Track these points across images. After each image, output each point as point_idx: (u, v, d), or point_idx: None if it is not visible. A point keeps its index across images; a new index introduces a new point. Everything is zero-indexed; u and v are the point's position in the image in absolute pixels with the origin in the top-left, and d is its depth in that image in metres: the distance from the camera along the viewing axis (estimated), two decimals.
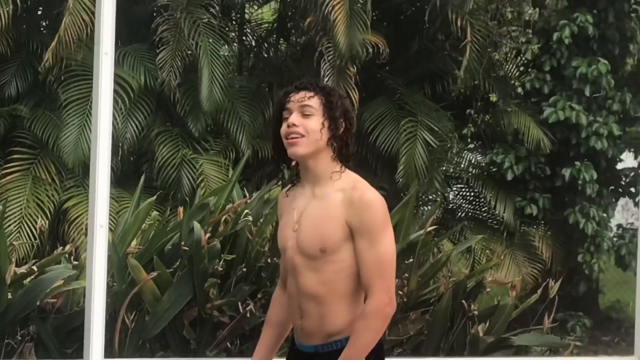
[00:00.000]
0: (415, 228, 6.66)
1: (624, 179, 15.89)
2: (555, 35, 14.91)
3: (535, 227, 15.31)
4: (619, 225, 15.79)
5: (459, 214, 15.44)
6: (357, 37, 13.23)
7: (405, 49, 14.87)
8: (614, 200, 15.94)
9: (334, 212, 4.28)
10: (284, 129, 4.35)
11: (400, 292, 6.29)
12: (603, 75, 14.73)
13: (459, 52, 14.18)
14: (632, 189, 15.64)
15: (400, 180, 13.25)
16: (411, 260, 6.44)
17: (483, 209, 15.42)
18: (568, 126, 14.87)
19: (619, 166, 15.94)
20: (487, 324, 6.32)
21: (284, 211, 4.51)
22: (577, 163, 14.88)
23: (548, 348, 6.55)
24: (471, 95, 14.86)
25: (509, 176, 14.87)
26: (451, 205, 15.68)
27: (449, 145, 14.21)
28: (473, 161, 15.80)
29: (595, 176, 14.88)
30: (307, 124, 4.32)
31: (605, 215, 15.22)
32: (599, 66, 14.72)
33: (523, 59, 15.56)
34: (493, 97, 14.87)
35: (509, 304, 6.38)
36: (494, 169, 15.13)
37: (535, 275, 14.06)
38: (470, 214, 15.54)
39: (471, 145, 15.65)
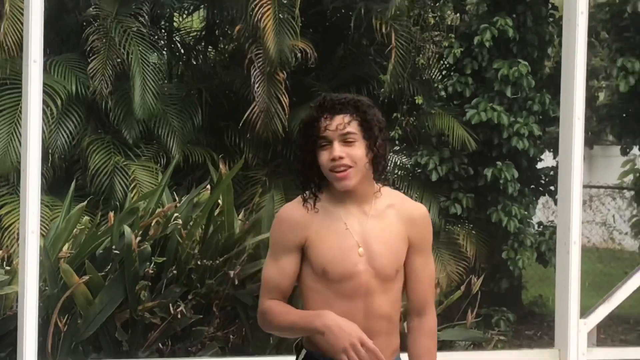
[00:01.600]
0: None
1: (544, 177, 16.00)
2: (476, 39, 15.01)
3: (459, 225, 15.37)
4: (540, 223, 15.92)
5: None
6: (286, 43, 13.22)
7: (331, 55, 14.88)
8: (534, 198, 16.06)
9: (396, 230, 4.06)
10: (326, 160, 3.97)
11: None
12: (523, 76, 14.85)
13: (384, 57, 14.23)
14: (552, 188, 15.75)
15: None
16: None
17: None
18: (490, 127, 14.96)
19: (539, 165, 16.08)
20: None
21: (317, 230, 4.02)
22: (499, 163, 14.99)
23: (472, 342, 6.55)
24: (397, 98, 14.89)
25: (434, 177, 14.95)
26: None
27: None
28: (399, 163, 15.86)
29: (516, 175, 14.99)
30: (352, 153, 3.96)
31: (526, 213, 15.33)
32: (519, 68, 14.83)
33: (446, 62, 15.63)
34: (418, 100, 14.92)
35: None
36: (419, 170, 15.18)
37: (460, 273, 14.13)
38: None
39: (397, 148, 15.67)
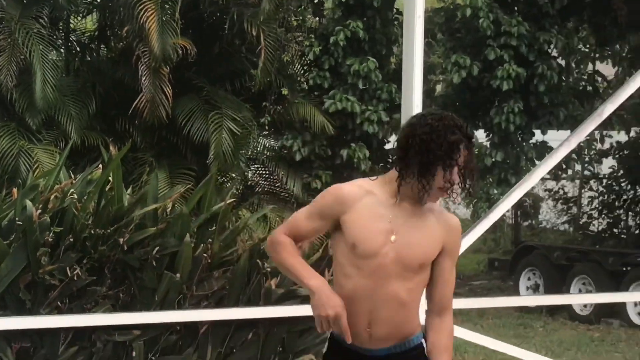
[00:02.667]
0: (218, 201, 6.57)
1: (391, 157, 16.15)
2: (332, 39, 15.12)
3: None
4: None
5: (257, 189, 15.46)
6: (168, 41, 13.15)
7: (209, 52, 14.80)
8: (384, 174, 16.18)
9: (433, 233, 3.90)
10: (445, 180, 3.78)
11: (205, 255, 6.22)
12: (372, 71, 15.02)
13: (255, 54, 14.19)
14: None
15: (211, 163, 13.17)
16: (214, 227, 6.36)
17: (276, 185, 15.49)
18: (345, 114, 15.09)
19: (387, 146, 16.24)
20: (278, 279, 6.29)
21: (361, 211, 3.86)
22: (353, 144, 15.15)
23: None
24: (266, 90, 14.89)
25: (298, 157, 15.02)
26: (250, 182, 15.70)
27: (249, 133, 14.18)
28: (268, 145, 15.86)
29: (368, 155, 15.18)
30: (455, 175, 3.81)
31: None
32: (369, 64, 15.00)
33: (307, 59, 15.67)
34: (284, 92, 14.94)
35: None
36: (285, 151, 15.22)
37: (320, 238, 14.13)
38: (266, 189, 15.59)
39: (266, 132, 15.68)
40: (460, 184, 3.83)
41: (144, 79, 13.18)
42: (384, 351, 3.92)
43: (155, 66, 13.13)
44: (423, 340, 4.00)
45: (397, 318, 3.89)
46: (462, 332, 7.20)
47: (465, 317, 12.76)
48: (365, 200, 3.88)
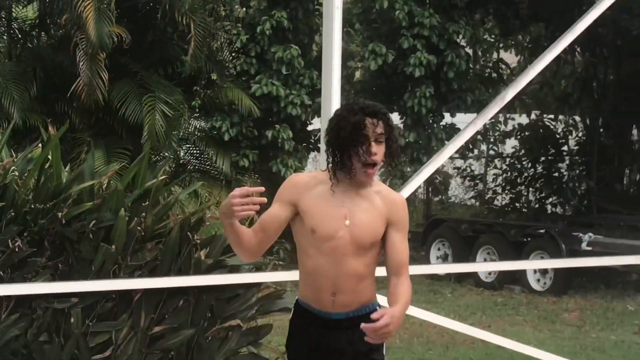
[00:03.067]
0: (151, 178, 6.52)
1: (313, 137, 16.22)
2: (258, 28, 15.09)
3: (247, 176, 15.44)
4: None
5: (189, 167, 15.41)
6: (105, 29, 13.03)
7: (143, 40, 14.69)
8: (306, 153, 16.29)
9: (379, 212, 4.08)
10: (360, 153, 3.97)
11: (139, 228, 6.18)
12: (295, 58, 15.02)
13: (186, 42, 14.13)
14: (319, 145, 15.97)
15: (145, 143, 13.08)
16: (147, 202, 6.33)
17: (207, 163, 15.45)
18: (270, 98, 15.08)
19: (310, 128, 16.28)
20: (208, 250, 6.28)
21: (314, 198, 4.04)
22: (278, 126, 15.13)
23: (254, 266, 6.58)
24: (196, 75, 14.84)
25: (226, 137, 14.99)
26: (182, 160, 15.64)
27: (181, 115, 14.11)
28: (198, 126, 15.80)
29: (291, 135, 15.18)
30: (380, 152, 4.01)
31: (300, 164, 15.54)
32: (292, 51, 15.00)
33: (235, 47, 15.62)
34: (213, 77, 14.90)
35: (223, 234, 6.36)
36: (215, 132, 15.16)
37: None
38: (196, 167, 15.54)
39: (197, 114, 15.62)
40: (387, 156, 4.02)
41: (81, 64, 13.08)
42: (343, 315, 4.12)
43: (92, 52, 13.02)
44: (378, 307, 4.16)
45: (357, 288, 4.10)
46: (378, 299, 7.27)
47: (380, 285, 12.83)
48: (319, 189, 4.07)
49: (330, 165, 4.07)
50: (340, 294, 4.08)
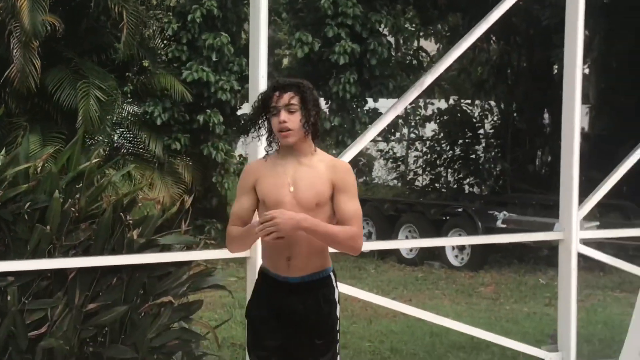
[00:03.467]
0: (84, 161, 6.45)
1: (242, 121, 16.16)
2: (189, 17, 14.98)
3: (179, 158, 15.36)
4: (240, 155, 16.08)
5: (122, 150, 15.27)
6: (38, 18, 12.82)
7: (77, 27, 14.49)
8: (235, 137, 16.24)
9: (322, 176, 4.34)
10: (275, 124, 4.32)
11: (73, 209, 6.12)
12: (225, 45, 14.96)
13: (119, 29, 13.96)
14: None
15: (79, 127, 12.93)
16: (81, 184, 6.26)
17: (140, 147, 15.31)
18: (201, 83, 15.00)
19: (239, 112, 16.24)
20: (140, 229, 6.24)
21: (264, 176, 4.39)
22: (209, 110, 15.07)
23: (185, 245, 6.56)
24: (129, 62, 14.69)
25: (158, 122, 14.88)
26: (116, 144, 15.49)
27: (114, 100, 13.96)
28: (132, 111, 15.64)
29: (222, 120, 15.13)
30: (293, 119, 4.31)
31: (230, 148, 15.52)
32: (222, 39, 14.93)
33: (166, 34, 15.49)
34: (145, 63, 14.75)
35: (155, 214, 6.33)
36: (148, 117, 15.04)
37: (180, 194, 14.12)
38: (130, 150, 15.40)
39: (130, 100, 15.47)
40: (301, 122, 4.33)
41: (15, 51, 12.88)
42: (298, 279, 4.38)
43: (26, 40, 12.81)
44: (332, 273, 4.48)
45: (310, 251, 4.34)
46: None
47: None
48: (267, 166, 4.41)
49: (265, 138, 4.43)
50: (294, 258, 4.34)
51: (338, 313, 4.48)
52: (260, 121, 4.40)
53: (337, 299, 4.49)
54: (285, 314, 4.42)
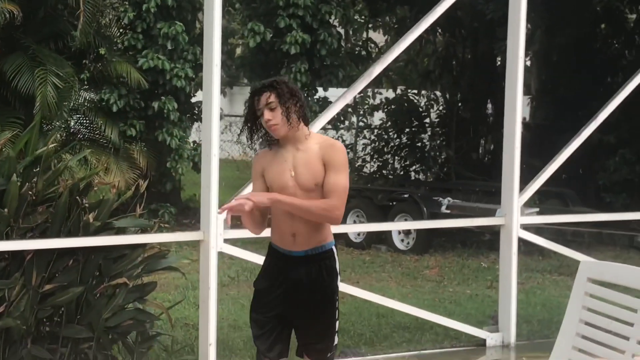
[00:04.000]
0: (42, 145, 6.39)
1: (197, 108, 16.10)
2: (144, 6, 14.87)
3: (134, 144, 15.24)
4: (194, 141, 16.02)
5: (79, 136, 15.12)
6: None
7: (35, 15, 14.30)
8: (190, 123, 16.17)
9: (316, 155, 4.68)
10: (264, 123, 4.69)
11: (30, 192, 6.07)
12: (180, 34, 14.89)
13: (75, 18, 13.80)
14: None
15: (37, 112, 12.78)
16: (38, 169, 6.21)
17: (96, 132, 15.18)
18: (157, 71, 14.90)
19: (194, 100, 16.17)
20: (96, 213, 6.20)
21: (269, 164, 4.76)
22: (164, 97, 14.99)
23: (140, 228, 6.53)
24: (86, 49, 14.56)
25: (114, 108, 14.77)
26: (72, 130, 15.34)
27: (71, 86, 13.81)
28: (88, 98, 15.48)
29: (176, 107, 15.07)
30: (275, 115, 4.64)
31: (184, 134, 15.43)
32: (177, 27, 14.86)
33: (122, 23, 15.33)
34: (102, 51, 14.61)
35: (111, 198, 6.29)
36: (104, 103, 14.90)
37: (135, 179, 14.03)
38: (87, 136, 15.26)
39: (87, 86, 15.32)
40: (283, 116, 4.65)
41: None
42: (302, 253, 4.73)
43: None
44: (333, 247, 4.85)
45: (312, 229, 4.70)
46: (255, 257, 7.31)
47: (259, 246, 12.73)
48: (272, 155, 4.78)
49: (263, 136, 4.81)
50: (298, 235, 4.70)
51: (338, 283, 4.87)
52: (252, 126, 4.78)
53: (337, 270, 4.86)
54: (290, 284, 4.76)
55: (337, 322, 4.86)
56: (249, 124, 4.77)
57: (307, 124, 4.76)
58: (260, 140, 4.87)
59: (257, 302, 4.89)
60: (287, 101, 4.66)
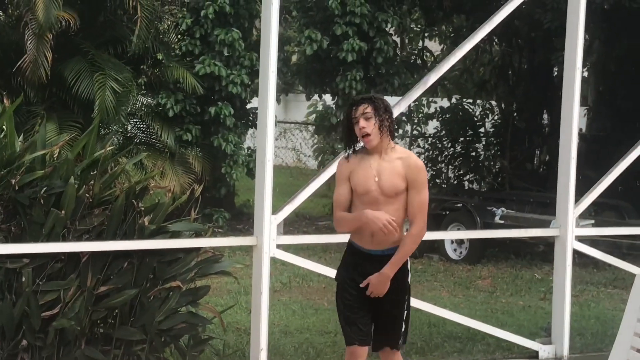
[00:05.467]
0: (99, 149, 6.47)
1: (252, 115, 16.15)
2: (202, 12, 14.97)
3: (190, 149, 15.36)
4: (249, 147, 16.08)
5: (136, 140, 15.27)
6: (52, 13, 12.83)
7: (94, 21, 14.49)
8: (245, 130, 16.25)
9: (399, 171, 5.28)
10: (357, 130, 5.31)
11: (87, 195, 6.14)
12: (236, 41, 14.97)
13: (134, 23, 13.96)
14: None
15: (95, 117, 12.94)
16: (95, 171, 6.28)
17: (152, 137, 15.31)
18: (213, 77, 15.00)
19: (249, 106, 16.22)
20: (151, 216, 6.26)
21: (355, 169, 5.34)
22: (220, 103, 15.07)
23: (194, 232, 6.57)
24: (144, 55, 14.71)
25: (171, 113, 14.89)
26: (129, 134, 15.49)
27: (129, 91, 13.96)
28: (145, 103, 15.64)
29: (232, 112, 15.14)
30: (369, 125, 5.27)
31: (239, 140, 15.52)
32: (234, 34, 14.94)
33: (180, 29, 15.46)
34: (159, 56, 14.75)
35: (166, 202, 6.34)
36: (160, 108, 15.04)
37: (190, 183, 14.13)
38: (143, 140, 15.40)
39: (144, 91, 15.48)
40: (375, 127, 5.27)
41: (28, 42, 12.91)
42: (379, 252, 5.33)
43: (39, 33, 12.82)
44: None
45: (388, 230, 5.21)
46: (307, 264, 7.33)
47: (311, 252, 12.92)
48: (357, 161, 5.37)
49: (355, 143, 5.41)
50: (376, 235, 5.25)
51: (409, 279, 5.46)
52: (349, 132, 5.36)
53: (409, 269, 5.45)
54: (365, 275, 5.34)
55: (409, 318, 5.54)
56: (344, 130, 5.36)
57: (393, 138, 5.34)
58: (347, 148, 5.43)
59: (342, 289, 5.47)
60: (381, 114, 5.25)
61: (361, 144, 5.41)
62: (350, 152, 5.43)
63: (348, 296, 5.43)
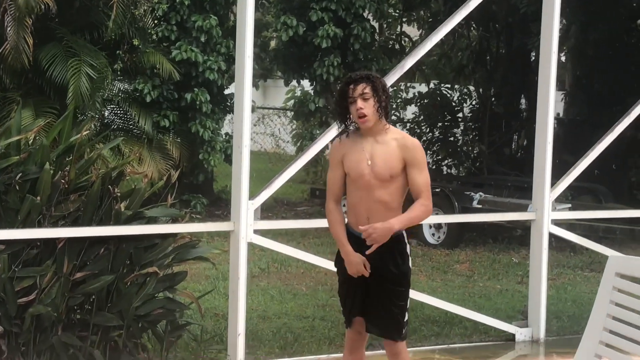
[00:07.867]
0: (75, 134, 6.45)
1: (229, 100, 16.13)
2: None
3: (167, 135, 15.33)
4: (227, 133, 16.06)
5: (113, 126, 15.22)
6: None
7: (70, 6, 14.40)
8: (222, 115, 16.23)
9: (394, 152, 5.08)
10: (354, 111, 5.08)
11: (63, 180, 6.13)
12: (213, 27, 14.94)
13: (110, 9, 13.88)
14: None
15: (70, 102, 12.88)
16: (71, 157, 6.27)
17: (130, 123, 15.27)
18: (189, 63, 14.97)
19: (226, 92, 16.20)
20: (127, 202, 6.26)
21: (348, 152, 5.16)
22: (196, 89, 15.05)
23: (170, 218, 6.58)
24: (120, 40, 14.63)
25: (148, 99, 14.84)
26: (106, 120, 15.44)
27: (105, 77, 13.90)
28: (122, 88, 15.58)
29: (209, 98, 15.12)
30: (367, 106, 5.05)
31: (217, 126, 15.50)
32: (211, 21, 14.91)
33: (156, 14, 15.41)
34: (136, 42, 14.70)
35: (142, 187, 6.34)
36: (137, 94, 15.00)
37: (167, 169, 14.09)
38: (121, 126, 15.35)
39: (121, 77, 15.41)
40: (374, 108, 5.06)
41: (8, 28, 12.83)
42: None
43: (19, 17, 12.74)
44: (404, 232, 5.20)
45: (385, 215, 5.05)
46: (285, 249, 7.34)
47: (290, 237, 12.94)
48: (350, 144, 5.18)
49: (346, 123, 5.19)
50: (372, 219, 5.04)
51: (410, 264, 5.26)
52: (341, 110, 5.14)
53: (409, 253, 5.26)
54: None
55: (408, 300, 5.34)
56: (337, 109, 5.15)
57: (387, 118, 5.16)
58: (340, 129, 5.24)
59: (342, 276, 5.31)
60: (381, 94, 5.06)
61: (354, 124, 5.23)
62: (344, 136, 5.23)
63: (346, 278, 5.30)
